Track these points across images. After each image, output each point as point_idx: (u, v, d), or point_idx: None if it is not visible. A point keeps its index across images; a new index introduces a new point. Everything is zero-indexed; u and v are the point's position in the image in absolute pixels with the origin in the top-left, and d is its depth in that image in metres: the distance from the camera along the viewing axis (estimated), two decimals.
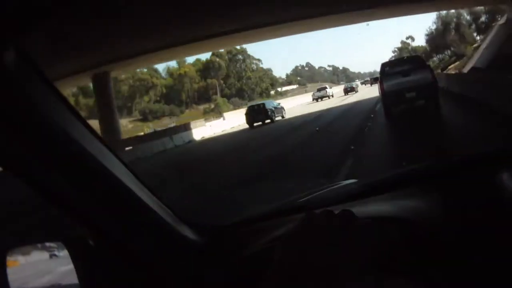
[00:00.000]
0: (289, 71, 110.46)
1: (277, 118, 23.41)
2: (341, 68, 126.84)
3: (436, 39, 43.42)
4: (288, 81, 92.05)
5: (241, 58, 73.64)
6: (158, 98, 67.29)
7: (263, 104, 23.38)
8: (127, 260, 0.78)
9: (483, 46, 26.68)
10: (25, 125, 0.58)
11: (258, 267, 0.55)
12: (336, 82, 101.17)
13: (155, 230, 0.79)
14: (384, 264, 0.43)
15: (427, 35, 46.97)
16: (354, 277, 0.40)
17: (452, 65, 33.31)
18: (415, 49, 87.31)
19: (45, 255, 0.85)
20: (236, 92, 71.28)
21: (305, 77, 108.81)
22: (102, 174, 0.69)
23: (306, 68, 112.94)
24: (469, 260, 0.58)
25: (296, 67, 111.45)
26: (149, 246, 0.78)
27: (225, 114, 34.21)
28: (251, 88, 72.99)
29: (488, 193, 0.72)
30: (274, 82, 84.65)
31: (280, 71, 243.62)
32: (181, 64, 71.35)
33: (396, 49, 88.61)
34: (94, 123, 22.05)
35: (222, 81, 70.92)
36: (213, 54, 71.91)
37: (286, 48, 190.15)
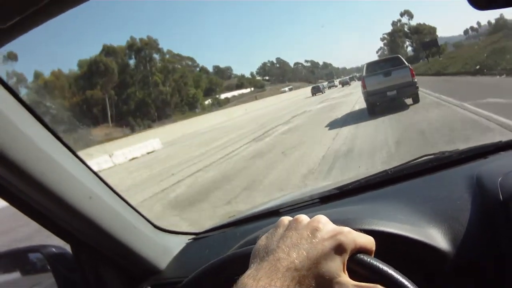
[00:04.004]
0: (255, 69, 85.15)
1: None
2: (321, 63, 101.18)
3: None
4: (239, 83, 66.79)
5: (146, 54, 48.74)
6: None
7: (318, 86, 44.22)
8: (104, 266, 0.84)
9: None
10: None
11: (227, 274, 0.58)
12: (313, 81, 75.78)
13: (130, 238, 0.84)
14: None
15: None
16: None
17: None
18: (416, 28, 61.00)
19: (25, 266, 0.90)
20: (136, 107, 46.64)
21: (274, 75, 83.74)
22: (75, 185, 0.72)
23: (277, 65, 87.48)
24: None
25: (264, 64, 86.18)
26: (124, 253, 0.84)
27: None
28: (162, 99, 48.03)
29: (463, 191, 0.73)
30: (214, 87, 59.71)
31: (245, 69, 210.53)
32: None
33: (386, 36, 62.55)
34: None
35: (113, 92, 46.29)
36: (102, 51, 47.47)
37: (255, 41, 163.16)
